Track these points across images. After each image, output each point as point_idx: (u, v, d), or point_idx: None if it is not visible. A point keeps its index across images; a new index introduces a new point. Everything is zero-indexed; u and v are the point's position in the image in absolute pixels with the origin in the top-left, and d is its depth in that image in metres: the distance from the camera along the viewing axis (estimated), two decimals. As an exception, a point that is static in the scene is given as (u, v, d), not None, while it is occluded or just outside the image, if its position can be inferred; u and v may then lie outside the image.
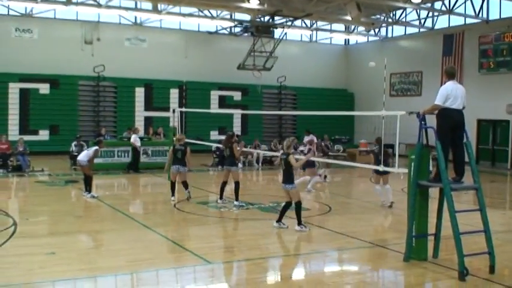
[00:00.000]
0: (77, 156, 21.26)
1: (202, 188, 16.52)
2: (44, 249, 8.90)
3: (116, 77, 27.89)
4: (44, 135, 26.46)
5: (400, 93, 30.75)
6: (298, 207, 10.59)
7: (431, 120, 8.53)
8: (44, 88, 26.68)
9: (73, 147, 21.49)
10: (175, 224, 11.82)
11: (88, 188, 14.54)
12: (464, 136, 8.51)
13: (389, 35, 32.60)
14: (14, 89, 26.15)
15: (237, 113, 29.49)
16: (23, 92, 26.31)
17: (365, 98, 32.36)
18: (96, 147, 14.94)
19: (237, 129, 29.78)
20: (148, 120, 28.01)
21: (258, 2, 25.01)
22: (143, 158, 21.42)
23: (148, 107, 28.88)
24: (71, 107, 27.12)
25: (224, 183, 13.58)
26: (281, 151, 11.38)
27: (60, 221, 11.57)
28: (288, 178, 10.63)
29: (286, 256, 9.07)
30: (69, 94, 27.15)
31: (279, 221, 10.73)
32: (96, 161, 20.30)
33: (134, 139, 20.67)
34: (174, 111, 19.78)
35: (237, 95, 30.96)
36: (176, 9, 27.67)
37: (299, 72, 32.03)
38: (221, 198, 13.61)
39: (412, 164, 8.50)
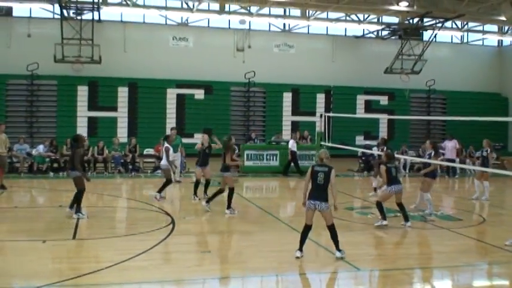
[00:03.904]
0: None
1: (348, 193, 16.55)
2: (200, 248, 9.53)
3: (265, 83, 28.79)
4: (198, 138, 27.97)
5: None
6: (334, 232, 9.13)
7: None
8: (199, 94, 28.36)
9: (224, 151, 22.45)
10: (323, 228, 11.99)
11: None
12: None
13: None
14: (171, 94, 28.10)
15: (383, 117, 29.05)
16: (180, 97, 28.18)
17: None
18: (166, 145, 14.97)
19: (383, 134, 29.36)
20: (294, 125, 28.63)
21: (407, 4, 24.46)
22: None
23: (295, 111, 29.45)
24: (224, 111, 28.49)
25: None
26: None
27: (213, 221, 12.28)
28: (326, 196, 8.90)
29: (435, 268, 8.83)
30: (222, 99, 28.58)
31: (338, 249, 9.07)
32: (246, 164, 21.27)
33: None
34: (321, 115, 20.10)
35: (383, 100, 30.47)
36: (323, 14, 27.96)
37: (449, 75, 30.71)
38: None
39: None
